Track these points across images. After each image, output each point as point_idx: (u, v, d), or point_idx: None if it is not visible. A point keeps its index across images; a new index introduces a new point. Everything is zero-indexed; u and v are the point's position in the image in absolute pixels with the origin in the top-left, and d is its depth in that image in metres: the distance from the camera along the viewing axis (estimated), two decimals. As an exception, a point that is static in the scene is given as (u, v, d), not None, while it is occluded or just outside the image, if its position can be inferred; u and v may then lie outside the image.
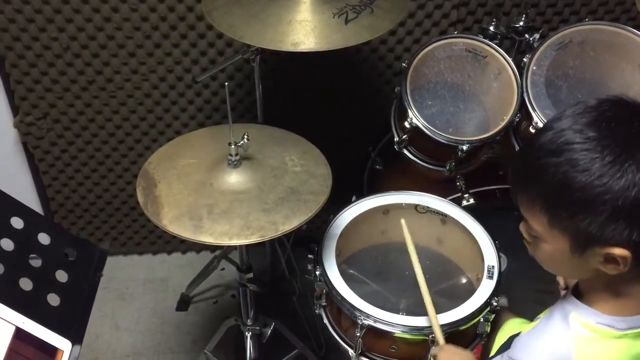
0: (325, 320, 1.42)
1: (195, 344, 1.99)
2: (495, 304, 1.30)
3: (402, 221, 1.36)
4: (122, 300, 2.13)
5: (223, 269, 2.13)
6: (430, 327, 1.23)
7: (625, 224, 0.74)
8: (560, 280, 1.17)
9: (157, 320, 2.07)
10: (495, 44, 1.61)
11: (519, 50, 1.69)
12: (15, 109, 1.89)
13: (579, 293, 0.88)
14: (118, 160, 2.04)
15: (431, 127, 1.55)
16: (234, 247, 1.87)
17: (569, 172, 0.75)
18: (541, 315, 0.92)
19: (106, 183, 2.09)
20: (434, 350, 1.21)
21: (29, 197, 2.09)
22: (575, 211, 0.76)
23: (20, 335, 0.97)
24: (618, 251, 0.76)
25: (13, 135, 1.95)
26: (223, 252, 1.95)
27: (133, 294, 2.15)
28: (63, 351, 1.02)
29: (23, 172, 2.04)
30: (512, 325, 1.13)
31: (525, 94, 1.54)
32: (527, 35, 1.66)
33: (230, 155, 1.31)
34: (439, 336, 1.20)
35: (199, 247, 2.29)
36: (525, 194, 0.82)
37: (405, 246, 1.33)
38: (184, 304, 2.11)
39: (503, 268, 1.39)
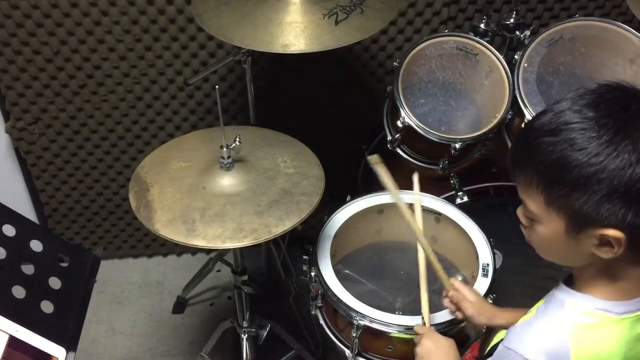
0: (322, 321, 1.42)
1: (192, 347, 1.98)
2: (490, 301, 1.30)
3: (415, 177, 1.32)
4: (117, 303, 2.12)
5: (219, 270, 2.12)
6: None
7: (620, 204, 0.74)
8: None
9: (154, 324, 2.07)
10: (486, 41, 1.62)
11: (510, 47, 1.69)
12: (6, 115, 1.88)
13: (571, 282, 0.89)
14: (111, 164, 2.04)
15: (423, 126, 1.55)
16: (229, 249, 1.86)
17: (566, 151, 0.76)
18: (533, 310, 0.92)
19: (100, 187, 2.08)
20: (417, 328, 1.19)
21: (22, 202, 2.08)
22: (571, 190, 0.76)
23: (13, 343, 0.97)
24: (612, 232, 0.76)
25: (5, 141, 1.94)
26: (219, 254, 1.94)
27: (129, 297, 2.15)
28: (57, 358, 1.02)
29: (15, 178, 2.03)
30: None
31: (517, 91, 1.54)
32: (517, 32, 1.66)
33: (223, 157, 1.30)
34: (427, 317, 1.19)
35: (195, 249, 2.28)
36: (522, 174, 0.83)
37: (401, 245, 1.33)
38: (180, 306, 2.10)
39: (498, 265, 1.40)
